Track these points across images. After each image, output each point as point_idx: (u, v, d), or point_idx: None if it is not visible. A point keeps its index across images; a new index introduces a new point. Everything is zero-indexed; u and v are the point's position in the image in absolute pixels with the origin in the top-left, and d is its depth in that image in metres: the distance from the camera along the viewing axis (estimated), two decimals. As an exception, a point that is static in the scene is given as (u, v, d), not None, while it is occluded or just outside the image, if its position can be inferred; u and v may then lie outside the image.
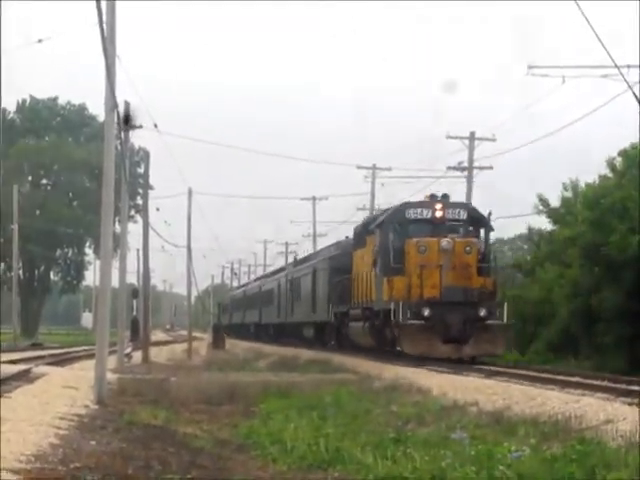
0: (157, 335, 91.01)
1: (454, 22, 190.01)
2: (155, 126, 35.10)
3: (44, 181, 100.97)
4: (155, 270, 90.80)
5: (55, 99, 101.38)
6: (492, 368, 26.66)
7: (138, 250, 59.26)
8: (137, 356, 39.11)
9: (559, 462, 11.50)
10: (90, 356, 32.93)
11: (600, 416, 15.40)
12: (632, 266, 31.81)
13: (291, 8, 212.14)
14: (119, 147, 27.79)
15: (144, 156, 57.95)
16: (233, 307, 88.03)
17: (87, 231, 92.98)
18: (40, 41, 31.91)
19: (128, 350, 37.46)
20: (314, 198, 74.45)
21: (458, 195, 44.00)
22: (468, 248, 29.97)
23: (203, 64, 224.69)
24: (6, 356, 33.42)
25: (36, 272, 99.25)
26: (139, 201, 76.98)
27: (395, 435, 14.35)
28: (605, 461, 11.44)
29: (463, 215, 31.29)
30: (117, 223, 44.21)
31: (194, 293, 76.19)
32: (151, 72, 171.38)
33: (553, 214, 42.08)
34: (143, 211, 45.70)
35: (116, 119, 21.78)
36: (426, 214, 31.02)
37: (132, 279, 68.95)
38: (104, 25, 17.67)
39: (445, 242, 29.63)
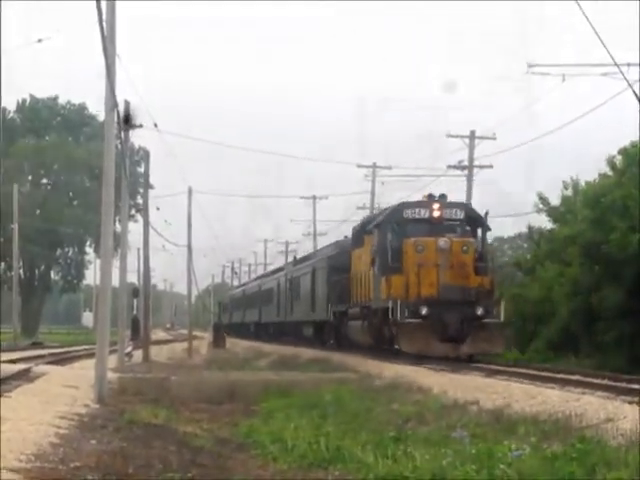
0: (157, 334, 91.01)
1: (454, 21, 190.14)
2: (155, 125, 35.15)
3: (44, 180, 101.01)
4: (155, 269, 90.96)
5: (55, 99, 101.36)
6: (492, 367, 26.70)
7: (138, 249, 59.40)
8: (137, 355, 39.12)
9: (559, 461, 11.49)
10: (90, 355, 32.94)
11: (600, 415, 15.40)
12: (632, 264, 31.85)
13: (291, 8, 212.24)
14: (119, 146, 27.80)
15: (144, 155, 57.93)
16: (233, 306, 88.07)
17: (87, 230, 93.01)
18: (40, 41, 31.98)
19: (128, 349, 37.44)
20: (314, 197, 74.54)
21: (458, 193, 44.12)
22: (465, 247, 30.27)
23: (203, 64, 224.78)
24: (6, 355, 33.44)
25: (36, 271, 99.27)
26: (139, 200, 77.00)
27: (395, 434, 14.34)
28: (605, 460, 11.43)
29: (460, 215, 31.54)
30: (117, 222, 44.19)
31: (194, 292, 76.37)
32: (151, 71, 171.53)
33: (553, 213, 42.14)
34: (143, 210, 45.74)
35: (116, 118, 21.78)
36: (423, 214, 31.26)
37: (133, 278, 69.13)
38: (104, 24, 17.67)
39: (442, 241, 29.89)
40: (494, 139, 46.94)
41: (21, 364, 28.64)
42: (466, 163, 47.37)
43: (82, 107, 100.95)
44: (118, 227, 44.77)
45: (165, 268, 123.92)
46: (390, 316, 29.44)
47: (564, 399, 17.58)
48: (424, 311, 28.97)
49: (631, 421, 14.18)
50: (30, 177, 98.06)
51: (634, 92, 20.06)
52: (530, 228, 47.85)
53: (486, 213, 31.89)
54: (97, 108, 79.15)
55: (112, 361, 27.17)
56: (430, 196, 32.27)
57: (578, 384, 20.37)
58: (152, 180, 53.05)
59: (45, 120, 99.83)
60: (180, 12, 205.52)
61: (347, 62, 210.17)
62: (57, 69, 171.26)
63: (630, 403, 16.26)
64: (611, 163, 36.79)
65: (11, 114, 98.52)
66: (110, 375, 21.84)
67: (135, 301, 52.68)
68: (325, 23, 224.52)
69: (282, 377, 24.54)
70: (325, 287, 41.74)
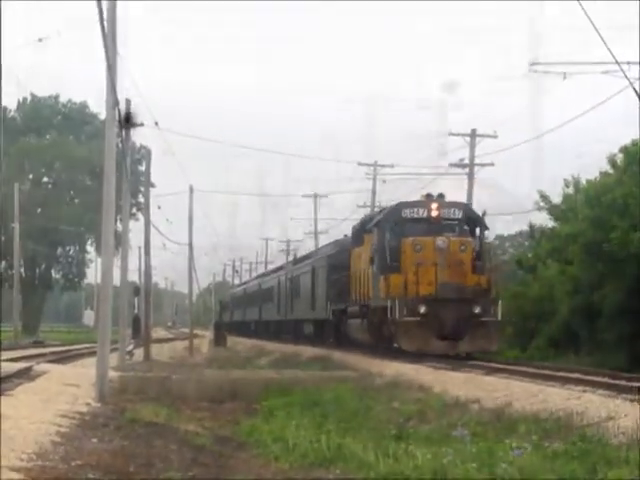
0: (158, 333, 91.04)
1: (455, 20, 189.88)
2: (156, 124, 35.19)
3: (45, 179, 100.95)
4: (157, 268, 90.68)
5: (56, 97, 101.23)
6: (493, 365, 26.68)
7: (140, 248, 59.50)
8: (139, 354, 39.16)
9: (560, 459, 11.51)
10: (91, 354, 32.99)
11: (601, 413, 15.39)
12: (633, 263, 31.82)
13: (291, 7, 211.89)
14: (120, 145, 27.79)
15: (145, 154, 57.81)
16: (234, 305, 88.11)
17: (88, 229, 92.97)
18: (40, 40, 31.97)
19: (130, 348, 37.47)
20: (315, 195, 74.56)
21: (459, 191, 44.14)
22: (463, 247, 30.48)
23: (203, 63, 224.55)
24: (7, 354, 33.44)
25: (37, 270, 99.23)
26: (140, 199, 77.07)
27: (396, 432, 14.37)
28: (606, 458, 11.45)
29: (458, 214, 31.72)
30: (118, 221, 44.20)
31: (195, 291, 76.43)
32: (152, 70, 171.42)
33: (554, 211, 42.08)
34: (144, 209, 45.79)
35: (117, 117, 21.77)
36: (422, 213, 31.43)
37: (134, 277, 69.03)
38: (105, 23, 17.68)
39: (440, 241, 30.09)
40: (495, 137, 47.04)
41: (22, 363, 28.64)
42: (467, 161, 47.41)
43: (83, 106, 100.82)
44: (119, 226, 44.80)
45: (166, 267, 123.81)
46: (389, 314, 29.58)
47: (565, 397, 17.58)
48: (422, 309, 29.12)
49: (632, 419, 14.17)
50: (31, 176, 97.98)
51: (635, 90, 20.08)
52: (531, 226, 47.81)
53: (484, 213, 32.31)
54: (98, 107, 79.25)
55: (113, 360, 27.18)
56: (428, 195, 32.46)
57: (579, 382, 20.32)
58: (153, 179, 53.06)
59: (46, 119, 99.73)
60: (180, 12, 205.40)
61: (347, 62, 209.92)
62: (57, 68, 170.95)
63: (631, 401, 16.23)
64: (612, 161, 36.74)
65: (12, 113, 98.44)
66: (111, 374, 21.85)
67: (136, 300, 52.77)
68: (325, 23, 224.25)
69: (283, 375, 24.56)
70: (325, 286, 41.81)
